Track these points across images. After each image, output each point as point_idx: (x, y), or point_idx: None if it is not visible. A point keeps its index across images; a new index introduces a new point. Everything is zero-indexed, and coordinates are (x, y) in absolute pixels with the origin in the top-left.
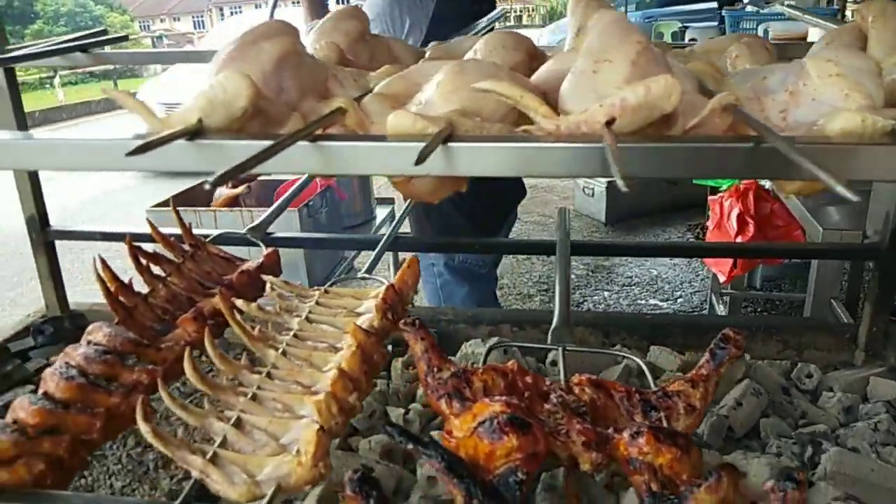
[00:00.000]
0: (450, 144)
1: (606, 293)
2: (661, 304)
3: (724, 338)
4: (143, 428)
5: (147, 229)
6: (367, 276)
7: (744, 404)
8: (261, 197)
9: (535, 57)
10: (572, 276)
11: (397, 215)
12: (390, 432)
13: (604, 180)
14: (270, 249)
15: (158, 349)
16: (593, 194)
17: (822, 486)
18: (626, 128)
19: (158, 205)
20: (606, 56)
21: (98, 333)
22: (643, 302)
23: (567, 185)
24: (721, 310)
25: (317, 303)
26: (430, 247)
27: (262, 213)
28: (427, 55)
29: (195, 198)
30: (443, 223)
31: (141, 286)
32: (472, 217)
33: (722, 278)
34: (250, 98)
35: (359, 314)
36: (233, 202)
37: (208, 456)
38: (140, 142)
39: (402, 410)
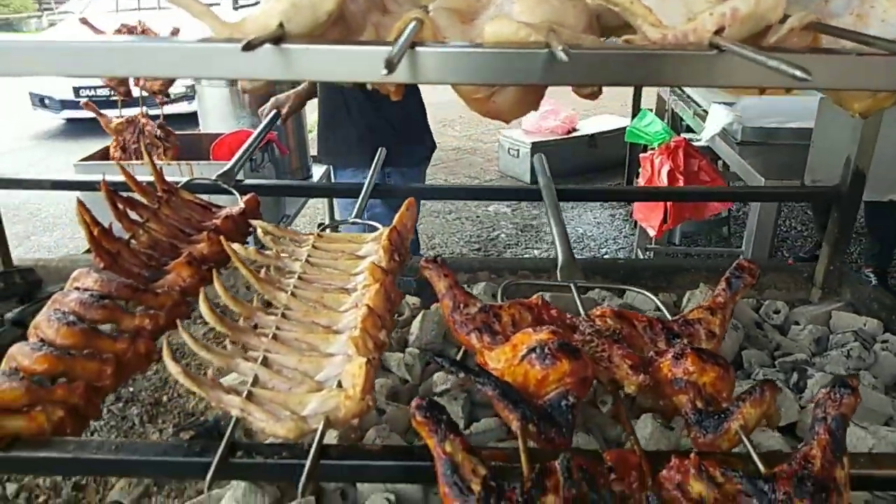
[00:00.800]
0: (569, 50)
1: (536, 251)
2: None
3: (738, 267)
4: (173, 368)
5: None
6: (357, 220)
7: (726, 338)
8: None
9: None
10: (501, 236)
11: (332, 174)
12: (441, 363)
13: (528, 141)
14: (250, 195)
15: (156, 294)
16: (518, 155)
17: (811, 409)
18: (733, 37)
19: (85, 158)
20: None
21: (87, 279)
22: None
23: (491, 147)
24: None
25: (313, 247)
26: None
27: (197, 167)
28: None
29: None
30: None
31: (120, 234)
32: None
33: (652, 233)
34: (337, 2)
35: (360, 257)
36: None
37: (245, 394)
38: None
39: (400, 355)
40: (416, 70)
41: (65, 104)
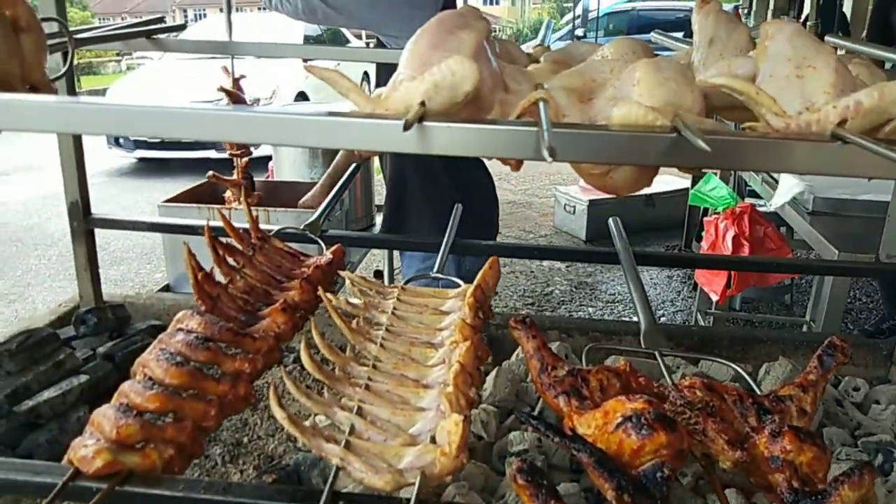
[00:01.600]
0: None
1: (591, 309)
2: None
3: (831, 345)
4: (279, 414)
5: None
6: (439, 275)
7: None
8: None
9: None
10: (556, 293)
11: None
12: (537, 425)
13: (585, 199)
14: (336, 245)
15: (254, 338)
16: (574, 211)
17: None
18: (854, 129)
19: (169, 200)
20: (809, 63)
21: (192, 321)
22: (626, 319)
23: (546, 202)
24: None
25: (398, 299)
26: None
27: (271, 212)
28: (546, 58)
29: (201, 194)
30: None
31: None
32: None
33: (715, 297)
34: (475, 83)
35: (444, 312)
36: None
37: (343, 444)
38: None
39: (475, 412)
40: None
41: (137, 144)
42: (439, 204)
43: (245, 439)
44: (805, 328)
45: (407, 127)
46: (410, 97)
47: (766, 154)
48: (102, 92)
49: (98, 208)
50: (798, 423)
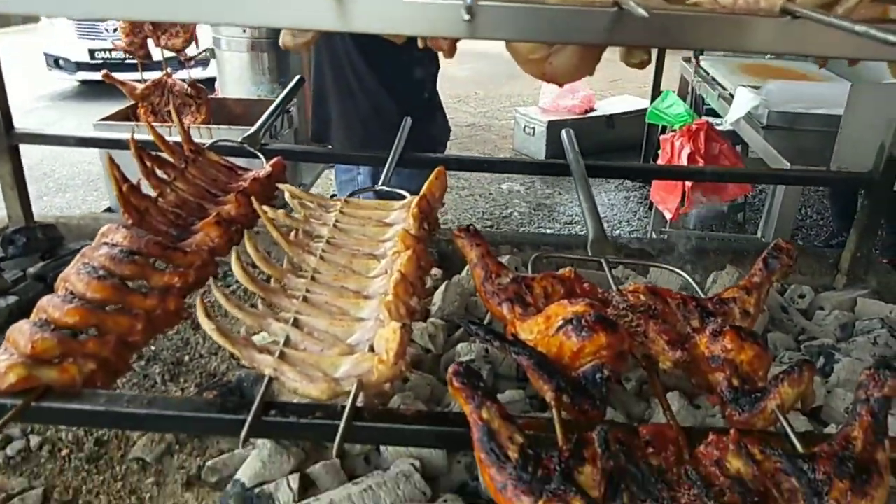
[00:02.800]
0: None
1: (549, 230)
2: None
3: (776, 247)
4: (207, 325)
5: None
6: (384, 188)
7: None
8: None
9: None
10: (514, 214)
11: None
12: (476, 331)
13: (544, 120)
14: (276, 158)
15: (185, 252)
16: (534, 133)
17: (839, 392)
18: (807, 4)
19: (105, 119)
20: None
21: (117, 234)
22: (582, 234)
23: (506, 124)
24: None
25: (341, 212)
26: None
27: (217, 131)
28: None
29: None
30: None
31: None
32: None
33: (668, 215)
34: None
35: (388, 224)
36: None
37: (277, 354)
38: None
39: (422, 325)
40: (478, 25)
41: (80, 66)
42: (376, 121)
43: (186, 358)
44: None
45: None
46: None
47: (713, 30)
48: None
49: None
50: (741, 325)
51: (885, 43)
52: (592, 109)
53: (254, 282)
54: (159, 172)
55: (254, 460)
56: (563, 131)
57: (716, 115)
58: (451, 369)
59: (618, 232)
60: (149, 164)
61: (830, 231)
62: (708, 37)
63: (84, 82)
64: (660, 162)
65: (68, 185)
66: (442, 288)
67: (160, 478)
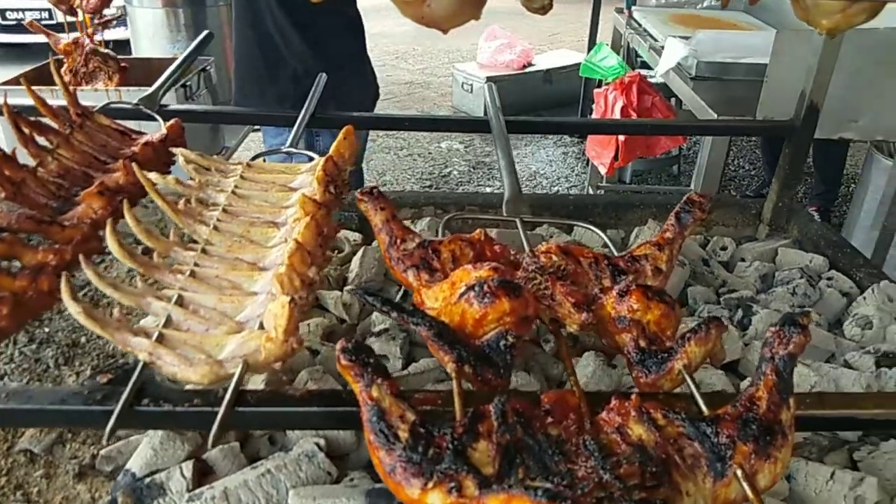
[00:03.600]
0: None
1: (489, 188)
2: None
3: (689, 201)
4: (73, 308)
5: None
6: (293, 149)
7: (671, 275)
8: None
9: None
10: (454, 173)
11: None
12: (373, 302)
13: (482, 76)
14: (174, 120)
15: (62, 226)
16: (472, 90)
17: (756, 345)
18: None
19: (7, 82)
20: None
21: None
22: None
23: (445, 81)
24: None
25: (241, 177)
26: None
27: (138, 92)
28: None
29: (47, 75)
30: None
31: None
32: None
33: (603, 170)
34: None
35: (293, 189)
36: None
37: (154, 336)
38: None
39: (337, 293)
40: None
41: None
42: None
43: (83, 339)
44: None
45: None
46: None
47: None
48: None
49: None
50: (653, 282)
51: None
52: (530, 64)
53: (132, 256)
54: (41, 139)
55: (145, 448)
56: (485, 85)
57: (649, 67)
58: (338, 345)
59: (556, 188)
60: (27, 130)
61: (762, 181)
62: None
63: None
64: (594, 116)
65: None
66: (360, 254)
67: (50, 469)
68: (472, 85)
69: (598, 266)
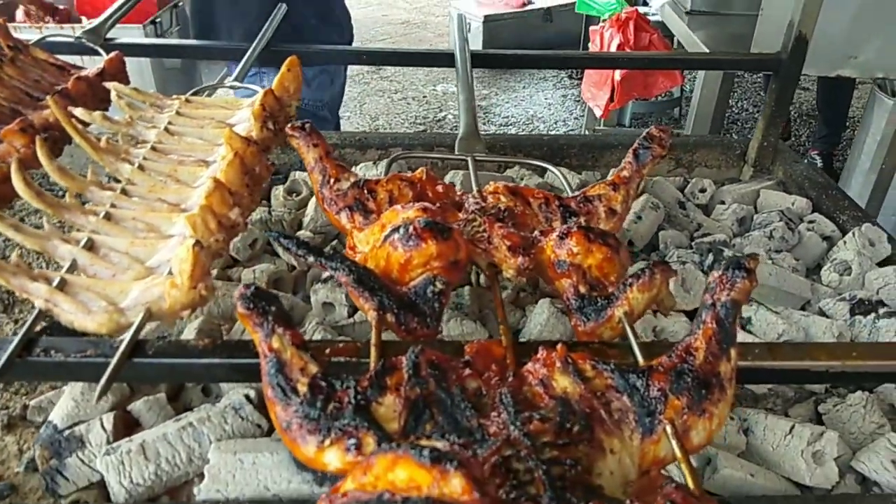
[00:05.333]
0: None
1: (484, 133)
2: None
3: (648, 136)
4: None
5: None
6: (236, 83)
7: (643, 218)
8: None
9: None
10: (448, 118)
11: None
12: (287, 245)
13: (480, 14)
14: (114, 53)
15: None
16: (469, 29)
17: None
18: None
19: None
20: None
21: None
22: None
23: (442, 21)
24: None
25: (177, 113)
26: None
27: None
28: None
29: None
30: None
31: None
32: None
33: (598, 112)
34: None
35: (231, 125)
36: None
37: (55, 283)
38: None
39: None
40: None
41: None
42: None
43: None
44: None
45: None
46: None
47: None
48: None
49: None
50: (607, 224)
51: None
52: (530, 2)
53: (39, 196)
54: None
55: (66, 399)
56: (456, 14)
57: (647, 5)
58: (237, 292)
59: (553, 132)
60: None
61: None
62: None
63: None
64: None
65: None
66: (314, 198)
67: None
68: (469, 24)
69: (549, 207)
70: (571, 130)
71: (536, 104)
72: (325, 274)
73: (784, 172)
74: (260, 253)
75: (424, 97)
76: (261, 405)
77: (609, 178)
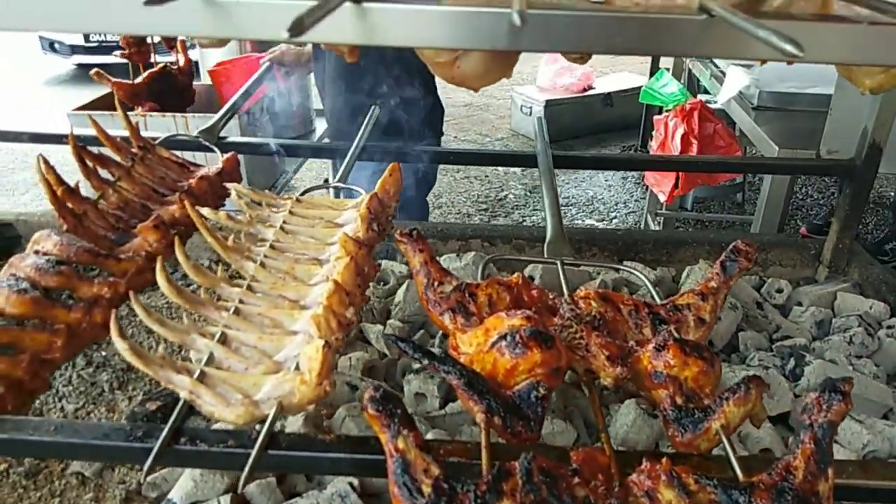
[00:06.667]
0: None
1: (541, 214)
2: (597, 223)
3: (735, 250)
4: (120, 345)
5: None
6: (340, 184)
7: (722, 318)
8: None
9: None
10: (510, 197)
11: None
12: (404, 348)
13: (542, 99)
14: (230, 154)
15: (118, 259)
16: (531, 113)
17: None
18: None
19: (81, 108)
20: None
21: (47, 242)
22: (580, 222)
23: (504, 104)
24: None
25: (290, 212)
26: (400, 157)
27: (202, 119)
28: None
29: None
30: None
31: (88, 192)
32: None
33: (663, 198)
34: None
35: (339, 225)
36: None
37: (196, 375)
38: None
39: (379, 327)
40: (364, 29)
41: (75, 49)
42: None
43: None
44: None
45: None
46: None
47: (612, 32)
48: None
49: (32, 118)
50: (695, 333)
51: (783, 52)
52: (591, 87)
53: (179, 293)
54: (103, 172)
55: (186, 479)
56: (535, 119)
57: (710, 95)
58: (366, 395)
59: (613, 214)
60: (90, 163)
61: (831, 209)
62: (612, 41)
63: (80, 66)
64: (654, 143)
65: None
66: (404, 287)
67: (99, 493)
68: (531, 108)
69: (639, 314)
70: (632, 213)
71: (596, 186)
72: (417, 364)
73: (860, 274)
74: (353, 340)
75: (486, 176)
76: (363, 494)
77: (696, 287)
